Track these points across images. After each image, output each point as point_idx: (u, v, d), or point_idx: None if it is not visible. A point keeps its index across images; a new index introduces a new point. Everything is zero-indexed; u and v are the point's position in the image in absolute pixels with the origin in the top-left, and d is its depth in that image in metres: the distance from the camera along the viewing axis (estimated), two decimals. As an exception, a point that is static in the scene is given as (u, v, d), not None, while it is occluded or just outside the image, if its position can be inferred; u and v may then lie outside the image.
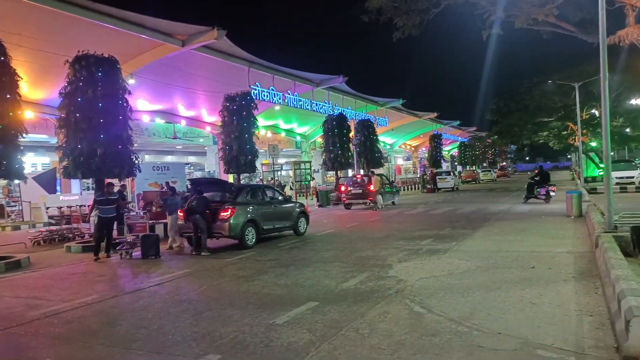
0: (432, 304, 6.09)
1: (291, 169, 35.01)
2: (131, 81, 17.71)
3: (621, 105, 33.45)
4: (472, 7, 13.63)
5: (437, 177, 36.62)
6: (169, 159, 36.29)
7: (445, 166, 57.65)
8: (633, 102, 32.87)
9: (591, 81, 28.04)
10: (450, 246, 10.57)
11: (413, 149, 63.13)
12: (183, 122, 27.63)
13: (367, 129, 29.64)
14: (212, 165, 30.91)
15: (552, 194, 19.93)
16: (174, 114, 26.94)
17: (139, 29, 17.68)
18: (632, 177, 26.17)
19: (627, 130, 37.75)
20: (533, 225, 13.63)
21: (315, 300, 6.54)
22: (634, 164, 31.62)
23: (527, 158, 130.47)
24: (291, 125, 35.89)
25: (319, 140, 32.54)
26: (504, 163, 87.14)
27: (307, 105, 29.55)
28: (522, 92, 38.00)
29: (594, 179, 30.04)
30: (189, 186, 14.89)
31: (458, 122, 64.57)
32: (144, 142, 26.63)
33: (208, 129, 28.89)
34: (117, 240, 11.93)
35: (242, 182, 20.89)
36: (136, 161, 12.79)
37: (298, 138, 37.96)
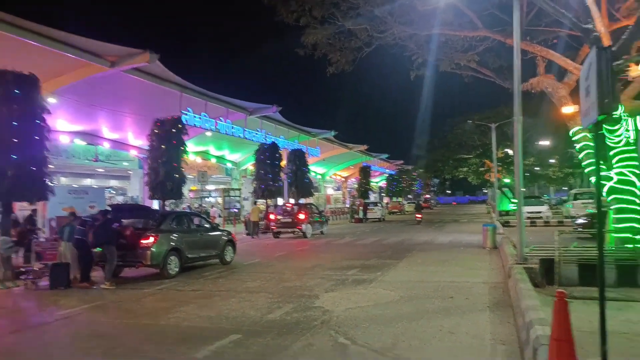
0: (356, 335, 6.11)
1: (220, 196, 34.32)
2: (52, 100, 16.68)
3: (532, 145, 36.50)
4: (402, 49, 14.38)
5: (367, 207, 37.65)
6: (89, 182, 34.26)
7: (373, 197, 59.29)
8: (542, 143, 36.00)
9: (506, 122, 30.39)
10: (376, 276, 10.76)
11: (343, 179, 64.43)
12: (106, 145, 26.31)
13: (298, 158, 29.90)
14: (136, 190, 29.55)
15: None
16: (97, 136, 25.61)
17: (65, 48, 16.80)
18: (540, 212, 28.30)
19: (537, 168, 41.14)
20: (453, 256, 14.26)
21: (239, 332, 6.35)
22: (542, 199, 34.33)
23: (448, 191, 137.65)
24: (222, 152, 35.39)
25: (250, 167, 32.29)
26: (428, 195, 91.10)
27: (240, 133, 29.36)
28: (445, 130, 40.44)
29: (507, 213, 32.14)
30: (96, 212, 13.48)
31: (386, 155, 66.96)
32: (61, 164, 24.96)
33: (134, 152, 27.72)
34: (23, 269, 10.93)
35: (167, 208, 20.11)
36: (50, 184, 11.94)
37: (229, 165, 37.44)
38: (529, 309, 5.79)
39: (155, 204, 20.89)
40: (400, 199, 64.20)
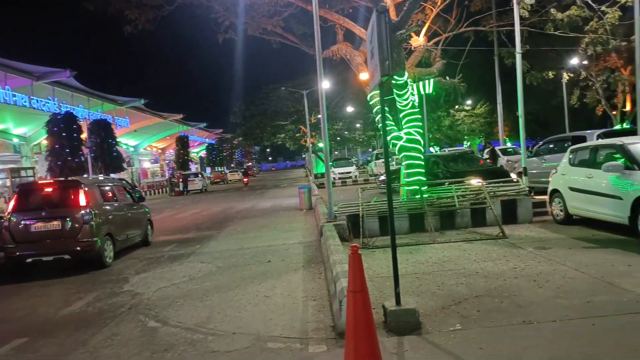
0: (168, 315, 5.74)
1: (8, 178, 29.10)
2: None
3: (340, 111, 39.33)
4: (207, 10, 13.70)
5: (187, 179, 36.27)
6: None
7: (194, 168, 57.41)
8: (348, 109, 39.07)
9: (316, 89, 31.94)
10: (194, 250, 10.38)
11: (160, 151, 60.76)
12: None
13: (103, 129, 26.99)
14: None
15: None
16: None
17: None
18: (350, 173, 30.99)
19: (346, 132, 44.67)
20: (271, 220, 14.62)
21: (26, 335, 5.40)
22: (351, 161, 37.56)
23: (269, 158, 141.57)
24: (6, 125, 29.85)
25: (45, 142, 27.98)
26: (250, 163, 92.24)
27: (25, 102, 25.02)
28: (261, 97, 40.82)
29: (322, 175, 34.43)
30: None
31: (205, 124, 65.10)
32: None
33: None
34: None
35: None
36: None
37: (16, 140, 31.85)
38: (335, 263, 6.15)
39: None
40: (222, 169, 63.58)
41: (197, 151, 72.01)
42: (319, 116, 39.89)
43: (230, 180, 54.08)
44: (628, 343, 3.87)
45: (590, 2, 13.58)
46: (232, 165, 74.41)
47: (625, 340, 3.93)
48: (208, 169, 63.17)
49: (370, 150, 59.12)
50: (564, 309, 4.71)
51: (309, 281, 6.86)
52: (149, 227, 11.76)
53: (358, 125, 43.83)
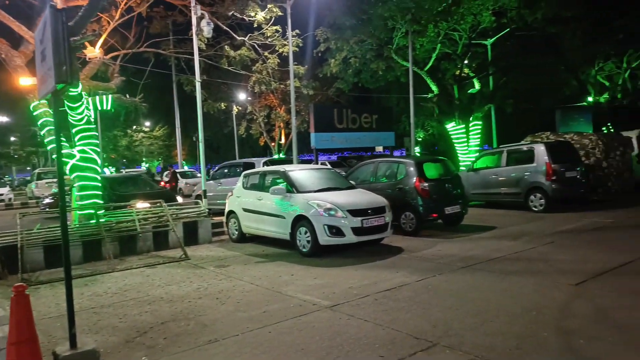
0: None
1: None
2: None
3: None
4: None
5: None
6: None
7: None
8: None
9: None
10: None
11: None
12: None
13: None
14: None
15: None
16: None
17: None
18: (2, 195, 25.58)
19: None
20: None
21: None
22: (2, 180, 31.16)
23: None
24: None
25: None
26: None
27: None
28: None
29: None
30: None
31: None
32: None
33: None
34: None
35: None
36: None
37: None
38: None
39: None
40: None
41: None
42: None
43: None
44: (295, 343, 4.45)
45: (257, 47, 15.60)
46: None
47: (292, 341, 4.51)
48: None
49: (29, 168, 50.58)
50: (244, 322, 5.07)
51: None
52: None
53: (13, 138, 37.00)
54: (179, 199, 12.61)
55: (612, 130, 22.67)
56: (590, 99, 24.46)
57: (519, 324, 4.57)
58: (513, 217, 11.56)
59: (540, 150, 12.26)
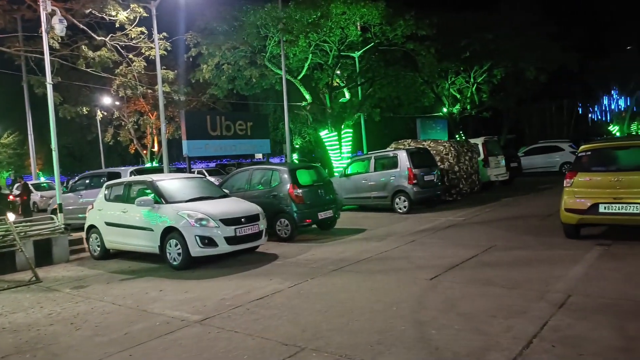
0: None
1: None
2: None
3: None
4: None
5: None
6: None
7: None
8: None
9: None
10: None
11: None
12: None
13: None
14: None
15: None
16: None
17: None
18: None
19: None
20: None
21: None
22: None
23: None
24: None
25: None
26: None
27: None
28: None
29: None
30: None
31: None
32: None
33: None
34: None
35: None
36: None
37: None
38: None
39: None
40: None
41: None
42: None
43: None
44: (161, 363, 4.21)
45: (120, 48, 14.57)
46: None
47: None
48: None
49: None
50: (103, 347, 4.66)
51: None
52: None
53: None
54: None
55: (463, 137, 25.40)
56: (445, 109, 27.21)
57: (381, 320, 4.86)
58: (381, 219, 12.33)
59: (402, 156, 13.27)
